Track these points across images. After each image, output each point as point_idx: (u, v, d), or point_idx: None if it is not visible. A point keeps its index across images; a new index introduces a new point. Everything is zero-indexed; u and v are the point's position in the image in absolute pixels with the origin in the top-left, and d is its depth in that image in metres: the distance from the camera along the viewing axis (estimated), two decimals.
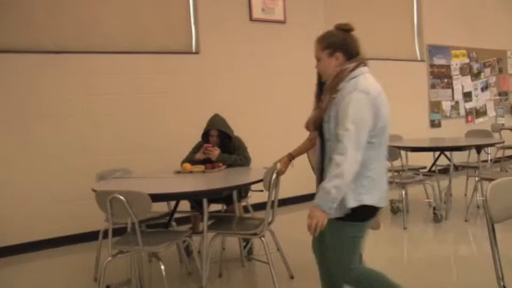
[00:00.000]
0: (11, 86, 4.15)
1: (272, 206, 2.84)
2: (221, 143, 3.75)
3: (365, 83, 1.98)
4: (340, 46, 2.06)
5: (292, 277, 3.12)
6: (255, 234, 2.82)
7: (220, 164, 3.51)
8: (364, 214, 1.95)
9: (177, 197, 2.77)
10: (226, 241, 3.81)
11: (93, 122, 4.43)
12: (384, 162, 2.01)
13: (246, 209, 3.87)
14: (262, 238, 2.79)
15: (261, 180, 2.87)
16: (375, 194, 1.93)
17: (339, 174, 1.78)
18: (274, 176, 2.73)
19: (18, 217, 4.09)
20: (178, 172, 3.42)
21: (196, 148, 3.82)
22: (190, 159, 3.68)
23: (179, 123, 4.88)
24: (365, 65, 2.05)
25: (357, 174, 1.84)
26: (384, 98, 2.00)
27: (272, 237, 3.07)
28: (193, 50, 5.15)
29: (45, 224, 4.22)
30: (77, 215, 4.28)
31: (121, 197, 2.21)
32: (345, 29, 2.09)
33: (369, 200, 1.91)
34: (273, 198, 2.82)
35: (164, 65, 4.91)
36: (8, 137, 4.13)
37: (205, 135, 3.80)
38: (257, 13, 5.47)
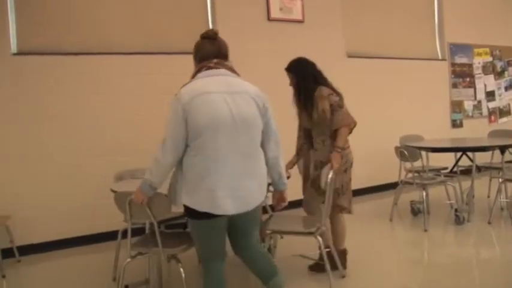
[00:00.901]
0: (27, 88, 4.20)
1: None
2: None
3: (185, 89, 2.06)
4: (194, 54, 2.23)
5: (343, 276, 3.10)
6: (311, 233, 2.77)
7: None
8: (192, 213, 2.05)
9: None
10: None
11: (110, 122, 4.46)
12: (207, 167, 2.00)
13: (263, 210, 3.84)
14: (318, 237, 2.77)
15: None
16: (193, 197, 2.01)
17: (149, 170, 2.14)
18: (330, 174, 2.73)
19: (36, 216, 4.15)
20: None
21: None
22: None
23: None
24: (208, 68, 2.09)
25: (180, 176, 2.05)
26: (200, 102, 1.99)
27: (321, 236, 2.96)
28: None
29: (63, 223, 4.27)
30: (94, 215, 4.33)
31: None
32: (202, 37, 2.22)
33: (186, 201, 2.03)
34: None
35: (181, 66, 4.84)
36: (25, 137, 4.18)
37: None
38: (275, 13, 5.44)
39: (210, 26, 5.13)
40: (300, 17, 5.61)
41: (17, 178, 4.14)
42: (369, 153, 5.80)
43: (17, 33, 4.21)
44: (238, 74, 2.19)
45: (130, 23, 4.73)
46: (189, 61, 5.03)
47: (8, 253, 3.89)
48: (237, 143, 2.02)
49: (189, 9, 5.06)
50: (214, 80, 2.05)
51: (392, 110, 6.28)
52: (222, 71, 2.10)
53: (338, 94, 3.16)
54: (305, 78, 3.17)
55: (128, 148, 4.48)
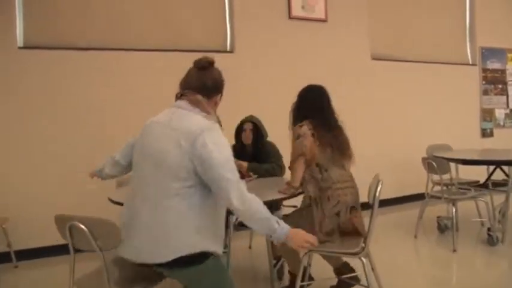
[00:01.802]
0: (32, 83, 4.00)
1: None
2: (253, 147, 3.48)
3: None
4: None
5: None
6: (356, 253, 2.42)
7: (251, 174, 3.21)
8: None
9: None
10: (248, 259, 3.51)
11: (122, 122, 4.19)
12: (134, 201, 1.86)
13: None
14: (363, 258, 2.41)
15: (296, 195, 2.56)
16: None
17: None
18: (379, 187, 2.39)
19: (36, 219, 3.90)
20: None
21: None
22: None
23: None
24: (177, 98, 1.98)
25: None
26: (146, 131, 1.94)
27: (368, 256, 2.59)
28: (228, 48, 4.89)
29: None
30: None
31: (82, 226, 1.80)
32: (193, 64, 2.03)
33: None
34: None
35: None
36: (27, 135, 3.98)
37: (238, 135, 3.54)
38: (296, 11, 5.14)
39: (227, 23, 4.87)
40: (322, 16, 5.30)
41: (18, 177, 3.93)
42: (393, 162, 5.47)
43: (24, 27, 4.01)
44: (201, 109, 1.90)
45: (144, 19, 4.49)
46: None
47: (4, 257, 3.69)
48: (146, 184, 1.84)
49: (207, 6, 4.80)
50: (166, 111, 1.96)
51: (418, 116, 5.91)
52: (182, 102, 1.92)
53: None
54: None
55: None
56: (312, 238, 1.89)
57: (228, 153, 1.80)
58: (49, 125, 4.02)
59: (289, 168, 2.67)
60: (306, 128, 2.59)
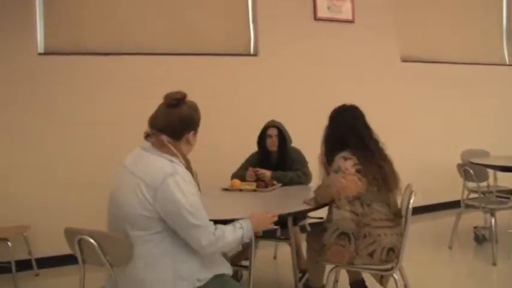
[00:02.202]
0: (59, 88, 3.96)
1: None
2: (278, 154, 3.34)
3: None
4: None
5: None
6: (388, 269, 2.24)
7: (275, 182, 3.06)
8: None
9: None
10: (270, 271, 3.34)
11: (140, 129, 4.11)
12: None
13: (303, 228, 3.38)
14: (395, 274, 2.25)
15: (322, 206, 2.39)
16: None
17: None
18: (412, 199, 2.19)
19: (57, 227, 3.86)
20: (226, 189, 3.00)
21: (249, 162, 3.43)
22: (241, 175, 3.27)
23: (233, 131, 4.48)
24: (145, 137, 1.86)
25: None
26: (116, 174, 1.82)
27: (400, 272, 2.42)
28: (251, 51, 4.75)
29: None
30: None
31: (91, 240, 1.70)
32: (163, 99, 1.92)
33: None
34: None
35: (218, 67, 4.53)
36: (48, 142, 3.93)
37: (261, 141, 3.40)
38: (322, 12, 4.97)
39: (250, 25, 4.74)
40: (349, 17, 5.11)
41: (39, 185, 3.87)
42: (424, 167, 5.21)
43: (45, 32, 3.97)
44: (166, 152, 1.76)
45: (164, 23, 4.40)
46: (227, 64, 4.79)
47: (25, 265, 3.64)
48: (114, 230, 1.74)
49: (229, 8, 4.68)
50: (133, 152, 1.84)
51: (452, 120, 5.62)
52: (146, 144, 1.81)
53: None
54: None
55: None
56: (270, 213, 2.03)
57: (195, 198, 1.69)
58: (69, 131, 3.96)
59: (315, 193, 2.46)
60: (350, 164, 2.25)
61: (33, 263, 3.70)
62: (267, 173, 3.14)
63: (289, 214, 2.35)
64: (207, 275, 1.74)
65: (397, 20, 5.38)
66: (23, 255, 3.66)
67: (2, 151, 3.81)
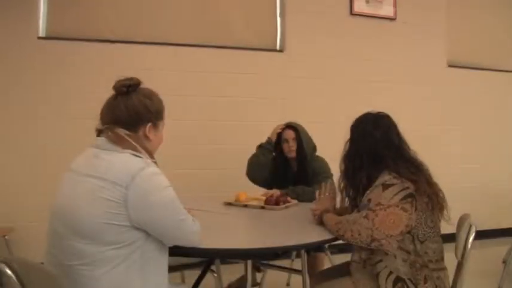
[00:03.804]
0: (59, 75, 3.58)
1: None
2: (298, 162, 2.81)
3: None
4: None
5: None
6: None
7: (289, 199, 2.52)
8: None
9: (205, 254, 1.79)
10: None
11: None
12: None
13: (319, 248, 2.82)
14: None
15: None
16: None
17: None
18: (471, 237, 1.66)
19: (42, 231, 3.47)
20: (229, 203, 2.49)
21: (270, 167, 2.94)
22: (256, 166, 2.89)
23: (254, 133, 3.97)
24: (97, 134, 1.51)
25: None
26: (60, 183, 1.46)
27: None
28: (278, 47, 4.24)
29: None
30: None
31: (8, 271, 1.19)
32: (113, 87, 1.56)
33: None
34: None
35: (241, 63, 4.06)
36: (43, 135, 3.55)
37: (278, 146, 2.91)
38: (360, 6, 4.41)
39: (277, 19, 4.24)
40: (390, 14, 4.53)
41: (28, 182, 3.48)
42: (475, 186, 4.58)
43: (48, 15, 3.60)
44: (126, 147, 1.42)
45: (180, 10, 3.95)
46: (250, 59, 4.31)
47: None
48: (60, 251, 1.39)
49: None
50: (83, 153, 1.49)
51: (507, 134, 4.93)
52: (100, 141, 1.45)
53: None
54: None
55: (172, 157, 3.68)
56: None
57: (170, 192, 1.41)
58: (68, 122, 3.56)
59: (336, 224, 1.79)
60: (392, 193, 1.63)
61: None
62: (277, 193, 2.60)
63: (295, 247, 1.81)
64: None
65: (446, 19, 4.75)
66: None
67: None
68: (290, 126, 2.91)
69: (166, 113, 3.58)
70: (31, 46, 3.52)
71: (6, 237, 3.21)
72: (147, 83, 3.99)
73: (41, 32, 3.58)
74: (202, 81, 3.93)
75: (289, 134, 2.85)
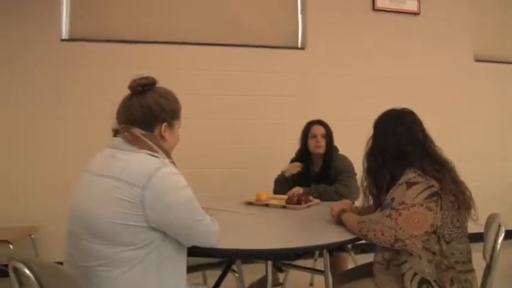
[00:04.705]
0: (82, 76, 3.63)
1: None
2: (324, 159, 2.77)
3: None
4: None
5: None
6: None
7: (311, 198, 2.48)
8: None
9: (223, 255, 1.77)
10: None
11: None
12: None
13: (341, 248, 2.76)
14: None
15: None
16: None
17: None
18: (501, 238, 1.60)
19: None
20: (250, 203, 2.47)
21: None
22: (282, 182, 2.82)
23: (276, 132, 3.96)
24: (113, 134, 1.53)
25: None
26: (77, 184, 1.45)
27: None
28: (299, 44, 4.20)
29: None
30: None
31: (26, 271, 1.23)
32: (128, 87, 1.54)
33: None
34: None
35: (261, 61, 4.02)
36: (65, 135, 3.60)
37: (305, 139, 2.87)
38: (383, 1, 4.32)
39: (299, 15, 4.20)
40: (414, 8, 4.42)
41: (52, 182, 3.52)
42: (506, 184, 4.42)
43: (70, 18, 3.67)
44: (143, 147, 1.41)
45: (199, 9, 3.95)
46: (270, 58, 4.26)
47: None
48: (77, 252, 1.38)
49: None
50: (100, 154, 1.47)
51: None
52: (116, 141, 1.45)
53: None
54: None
55: (188, 158, 3.68)
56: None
57: (187, 192, 1.39)
58: (90, 122, 3.60)
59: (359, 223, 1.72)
60: (416, 191, 1.58)
61: None
62: (299, 191, 2.57)
63: (317, 247, 1.78)
64: None
65: (472, 12, 4.61)
66: None
67: (15, 145, 3.52)
68: (320, 122, 2.88)
69: (187, 113, 3.58)
70: (54, 48, 3.57)
71: (32, 236, 3.28)
72: (167, 83, 4.00)
73: (64, 35, 3.63)
74: (222, 80, 3.91)
75: (319, 130, 2.82)
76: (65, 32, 3.64)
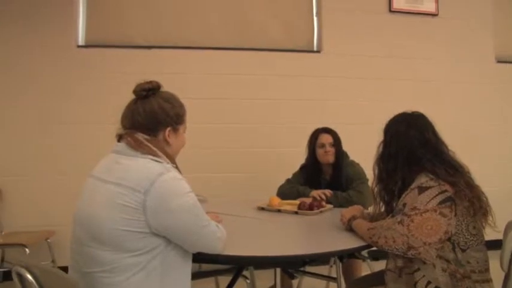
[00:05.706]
0: (98, 82, 3.67)
1: None
2: (334, 168, 2.72)
3: None
4: None
5: None
6: None
7: (323, 203, 2.44)
8: None
9: (228, 261, 1.74)
10: None
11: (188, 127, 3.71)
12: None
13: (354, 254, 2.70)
14: None
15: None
16: None
17: None
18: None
19: None
20: (262, 208, 2.44)
21: (296, 178, 2.84)
22: (286, 192, 2.71)
23: (292, 136, 3.92)
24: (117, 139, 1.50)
25: None
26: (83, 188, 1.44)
27: None
28: (314, 48, 4.16)
29: None
30: None
31: (29, 277, 1.23)
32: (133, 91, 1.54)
33: None
34: None
35: (276, 65, 4.00)
36: (83, 141, 3.64)
37: (312, 149, 2.79)
38: (399, 2, 4.25)
39: (314, 18, 4.16)
40: (432, 9, 4.33)
41: (68, 186, 3.53)
42: None
43: (87, 24, 3.73)
44: (146, 152, 1.39)
45: (213, 14, 3.96)
46: (286, 61, 4.23)
47: None
48: (81, 257, 1.36)
49: None
50: (104, 159, 1.48)
51: None
52: (119, 146, 1.44)
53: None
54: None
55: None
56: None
57: (190, 198, 1.36)
58: (106, 127, 3.62)
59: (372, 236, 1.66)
60: (428, 197, 1.52)
61: None
62: (327, 193, 2.54)
63: (328, 254, 1.73)
64: None
65: (493, 12, 4.49)
66: (45, 264, 3.36)
67: (32, 149, 3.58)
68: (327, 130, 2.82)
69: (201, 117, 3.60)
70: (71, 54, 3.62)
71: (48, 240, 3.31)
72: (181, 87, 4.02)
73: (80, 41, 3.68)
74: (237, 84, 3.90)
75: (327, 139, 2.76)
76: (81, 38, 3.69)
